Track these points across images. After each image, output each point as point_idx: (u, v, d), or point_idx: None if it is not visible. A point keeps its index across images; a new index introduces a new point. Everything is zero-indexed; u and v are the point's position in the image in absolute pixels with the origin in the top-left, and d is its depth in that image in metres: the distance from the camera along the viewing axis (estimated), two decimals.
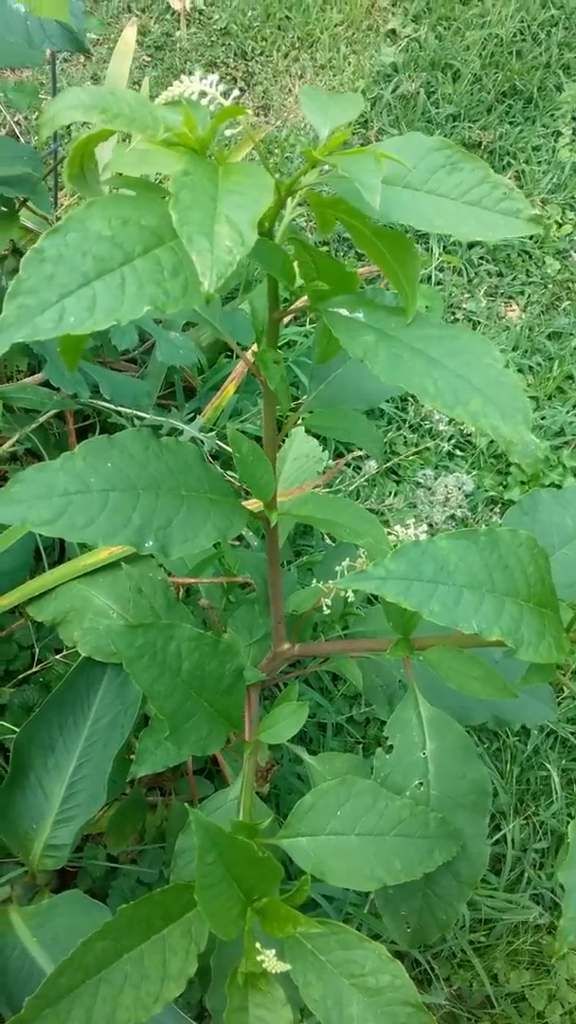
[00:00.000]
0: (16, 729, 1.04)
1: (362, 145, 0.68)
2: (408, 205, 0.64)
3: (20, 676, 1.33)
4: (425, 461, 1.84)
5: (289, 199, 0.71)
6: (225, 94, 0.62)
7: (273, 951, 0.64)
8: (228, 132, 0.63)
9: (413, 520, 0.85)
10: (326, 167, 0.64)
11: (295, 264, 0.75)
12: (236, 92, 0.64)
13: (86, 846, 1.29)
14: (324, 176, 0.65)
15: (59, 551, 1.42)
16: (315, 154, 0.60)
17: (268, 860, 0.63)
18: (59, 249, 0.54)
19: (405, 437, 1.85)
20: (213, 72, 2.30)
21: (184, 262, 0.56)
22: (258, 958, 0.63)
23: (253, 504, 1.10)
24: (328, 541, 1.59)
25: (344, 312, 0.69)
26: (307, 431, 1.18)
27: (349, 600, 0.97)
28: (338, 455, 1.73)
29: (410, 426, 1.87)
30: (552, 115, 2.44)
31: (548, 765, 1.58)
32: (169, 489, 0.75)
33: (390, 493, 1.74)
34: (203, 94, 0.62)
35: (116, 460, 0.74)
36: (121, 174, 0.64)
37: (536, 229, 0.64)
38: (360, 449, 1.70)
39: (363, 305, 0.69)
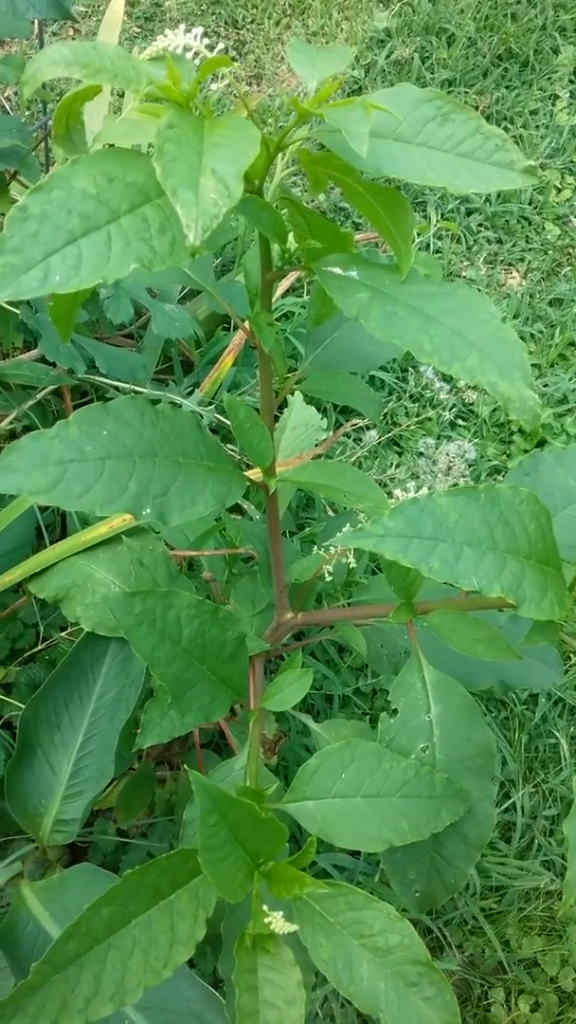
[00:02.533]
0: (23, 706, 1.04)
1: None
2: (399, 158, 0.62)
3: (26, 654, 1.33)
4: (427, 431, 1.82)
5: (279, 156, 0.69)
6: (210, 47, 0.61)
7: (280, 913, 0.64)
8: (213, 87, 0.62)
9: (413, 485, 0.84)
10: (317, 124, 0.62)
11: (291, 226, 0.74)
12: (220, 45, 0.63)
13: (96, 821, 1.30)
14: (315, 132, 0.64)
15: (61, 528, 1.41)
16: (303, 106, 0.59)
17: (272, 822, 0.63)
18: (43, 207, 0.53)
19: (406, 407, 1.84)
20: (203, 41, 2.27)
21: (172, 219, 0.55)
22: (265, 920, 0.63)
23: (253, 474, 1.09)
24: (330, 512, 1.58)
25: (338, 270, 0.68)
26: (305, 398, 1.17)
27: (351, 567, 0.96)
28: (337, 426, 1.72)
29: (411, 396, 1.86)
30: (549, 78, 2.41)
31: (556, 732, 1.57)
32: (166, 456, 0.75)
33: (392, 464, 1.73)
34: (187, 48, 0.61)
35: (112, 428, 0.73)
36: (112, 145, 0.63)
37: (532, 180, 0.63)
38: (360, 418, 1.69)
39: (357, 263, 0.68)
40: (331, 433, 1.17)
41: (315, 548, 0.97)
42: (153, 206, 0.57)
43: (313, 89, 0.63)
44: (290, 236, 0.73)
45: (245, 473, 0.81)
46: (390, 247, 0.68)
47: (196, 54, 0.61)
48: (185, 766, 0.66)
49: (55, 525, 1.41)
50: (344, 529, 0.92)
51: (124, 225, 0.55)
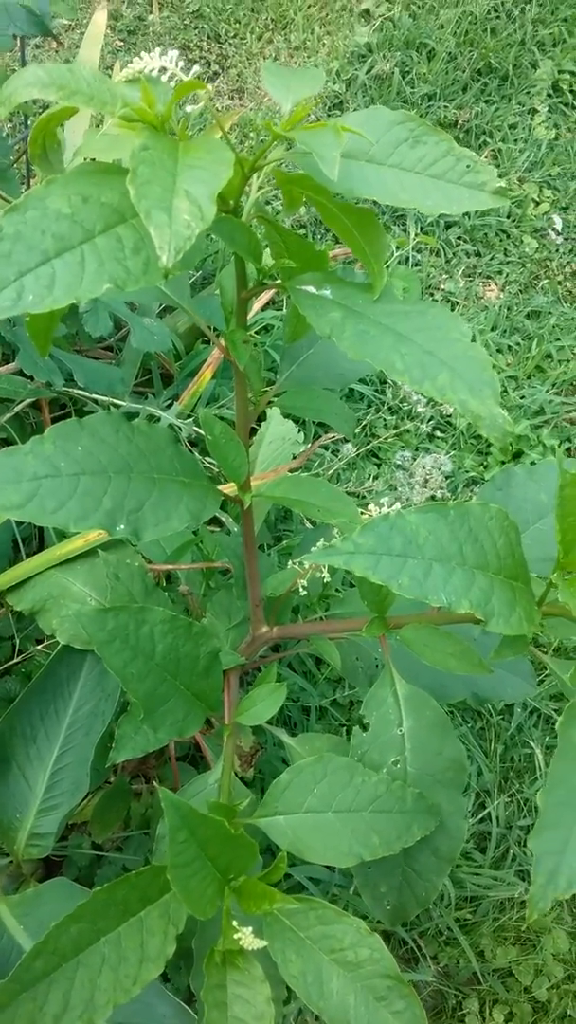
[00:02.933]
0: None
1: None
2: (372, 179, 0.63)
3: (1, 667, 1.32)
4: (405, 443, 1.83)
5: (255, 176, 0.70)
6: (185, 70, 0.61)
7: (250, 929, 0.64)
8: (189, 108, 0.63)
9: (387, 499, 0.85)
10: (292, 144, 0.63)
11: (267, 244, 0.74)
12: (196, 68, 0.64)
13: (71, 835, 1.29)
14: (290, 152, 0.65)
15: (38, 541, 1.41)
16: (276, 129, 0.59)
17: (242, 838, 0.63)
18: (17, 227, 0.53)
19: (385, 420, 1.85)
20: (186, 55, 2.27)
21: (146, 239, 0.56)
22: (235, 936, 0.63)
23: (228, 489, 1.10)
24: (308, 524, 1.59)
25: (311, 289, 0.68)
26: (282, 412, 1.18)
27: (325, 581, 0.97)
28: (316, 438, 1.72)
29: (389, 408, 1.87)
30: (528, 92, 2.43)
31: (532, 743, 1.58)
32: (141, 472, 0.75)
33: (370, 476, 1.74)
34: (163, 70, 0.61)
35: (86, 443, 0.74)
36: (93, 160, 0.64)
37: (502, 202, 0.64)
38: (337, 432, 1.69)
39: (331, 282, 0.69)
40: (307, 447, 1.18)
41: (290, 562, 0.98)
42: (127, 226, 0.57)
43: (287, 111, 0.63)
44: (267, 253, 0.74)
45: (221, 487, 0.82)
46: (363, 265, 0.69)
47: (172, 76, 0.62)
48: (155, 782, 0.66)
49: (32, 537, 1.41)
50: (319, 543, 0.93)
51: (98, 245, 0.55)
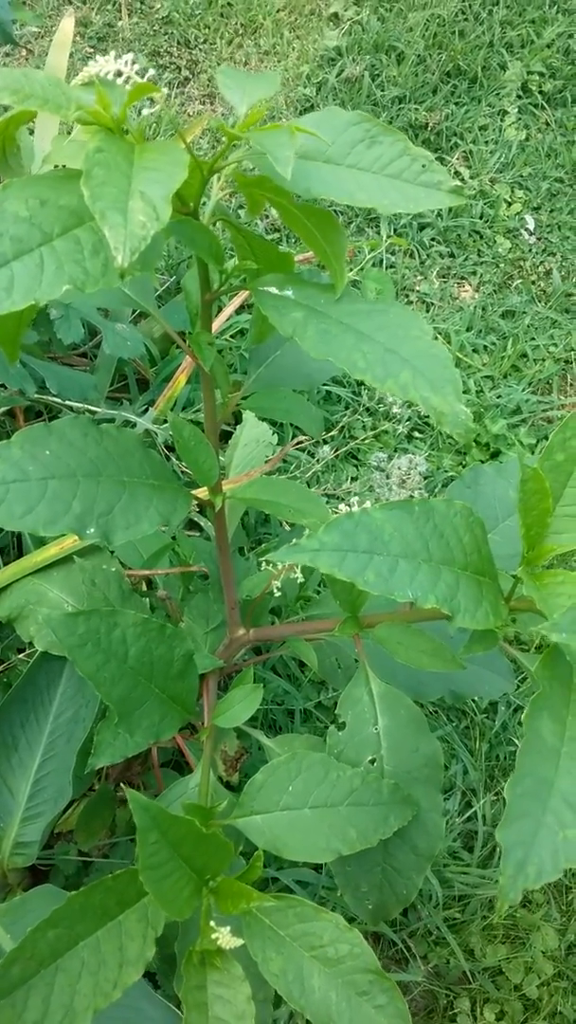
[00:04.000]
0: None
1: None
2: (329, 180, 0.64)
3: None
4: (384, 444, 1.84)
5: (215, 179, 0.70)
6: (140, 73, 0.62)
7: (228, 928, 0.64)
8: (146, 111, 0.63)
9: (357, 499, 0.85)
10: (250, 145, 0.63)
11: (235, 247, 0.75)
12: (152, 72, 0.64)
13: (57, 843, 1.29)
14: (248, 154, 0.65)
15: (16, 548, 1.41)
16: (231, 130, 0.60)
17: (215, 837, 0.63)
18: None
19: (362, 421, 1.86)
20: (156, 61, 2.27)
21: (104, 240, 0.56)
22: (212, 935, 0.63)
23: (201, 492, 1.10)
24: (287, 528, 1.59)
25: (274, 290, 0.69)
26: (257, 415, 1.18)
27: (300, 582, 0.97)
28: (293, 439, 1.73)
29: (367, 410, 1.87)
30: (497, 94, 2.45)
31: (516, 740, 1.59)
32: (110, 476, 0.75)
33: (348, 478, 1.75)
34: (119, 73, 0.62)
35: (55, 447, 0.74)
36: (63, 166, 0.64)
37: (458, 200, 0.65)
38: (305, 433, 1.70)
39: (293, 283, 0.69)
40: (279, 449, 1.18)
41: (261, 563, 0.98)
42: (86, 228, 0.57)
43: (243, 114, 0.64)
44: (235, 257, 0.74)
45: (196, 491, 0.82)
46: (324, 265, 0.70)
47: (128, 79, 0.62)
48: (123, 785, 0.66)
49: (11, 546, 1.41)
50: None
51: (56, 247, 0.56)
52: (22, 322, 0.78)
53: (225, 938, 0.63)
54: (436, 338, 0.66)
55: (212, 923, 0.64)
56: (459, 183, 0.64)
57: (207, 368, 0.73)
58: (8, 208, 0.55)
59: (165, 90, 2.06)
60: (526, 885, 0.56)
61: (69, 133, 0.96)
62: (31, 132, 1.44)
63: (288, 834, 0.72)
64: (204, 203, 0.70)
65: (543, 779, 0.58)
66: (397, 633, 0.78)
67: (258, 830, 0.73)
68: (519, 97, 2.47)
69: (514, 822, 0.57)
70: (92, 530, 0.71)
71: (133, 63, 0.62)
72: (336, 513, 0.85)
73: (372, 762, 0.78)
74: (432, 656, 0.77)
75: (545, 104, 2.47)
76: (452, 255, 2.20)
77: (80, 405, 1.34)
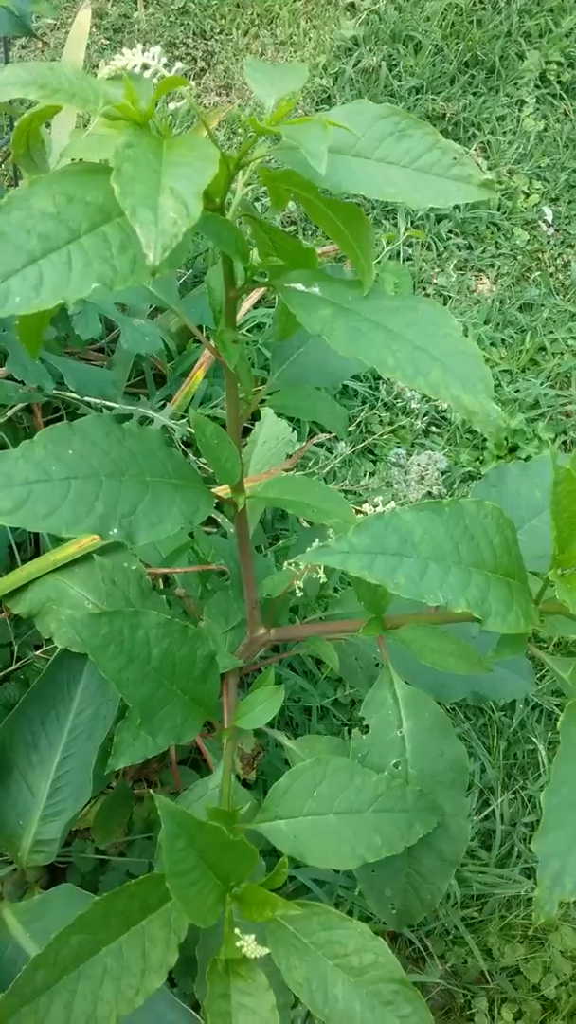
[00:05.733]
0: None
1: None
2: (358, 174, 0.62)
3: (0, 674, 1.31)
4: (401, 439, 1.83)
5: (240, 173, 0.69)
6: (169, 66, 0.60)
7: (253, 936, 0.63)
8: (172, 105, 0.62)
9: (381, 499, 0.84)
10: (277, 140, 0.62)
11: (255, 242, 0.73)
12: (180, 65, 0.63)
13: (74, 841, 1.29)
14: (275, 149, 0.64)
15: (34, 546, 1.40)
16: (260, 125, 0.58)
17: (241, 844, 0.63)
18: (2, 228, 0.53)
19: (380, 416, 1.84)
20: (172, 52, 2.26)
21: (132, 237, 0.55)
22: (237, 944, 0.63)
23: (222, 490, 1.09)
24: (305, 524, 1.58)
25: (300, 287, 0.67)
26: (276, 412, 1.17)
27: (322, 581, 0.96)
28: (311, 435, 1.71)
29: (384, 404, 1.86)
30: (515, 84, 2.42)
31: (534, 739, 1.58)
32: (133, 475, 0.74)
33: (366, 473, 1.73)
34: (145, 67, 0.60)
35: (77, 447, 0.73)
36: (80, 160, 0.63)
37: (489, 194, 0.63)
38: (330, 431, 1.69)
39: (319, 279, 0.68)
40: (300, 446, 1.17)
41: (285, 563, 0.97)
42: (113, 225, 0.56)
43: (271, 107, 0.62)
44: (255, 251, 0.73)
45: (215, 489, 0.81)
46: (351, 261, 0.68)
47: (155, 73, 0.61)
48: (151, 791, 0.65)
49: (28, 543, 1.40)
50: (314, 543, 0.92)
51: (84, 245, 0.55)
52: (44, 319, 0.77)
53: (251, 947, 0.62)
54: (466, 335, 0.64)
55: (237, 931, 0.63)
56: (489, 176, 0.62)
57: (232, 366, 0.72)
58: (36, 205, 0.54)
59: (193, 84, 2.04)
60: (563, 897, 0.55)
61: (86, 126, 0.95)
62: (47, 125, 1.43)
63: (313, 840, 0.71)
64: (229, 198, 0.69)
65: None
66: (423, 635, 0.77)
67: (282, 836, 0.72)
68: (537, 87, 2.44)
69: (550, 832, 0.56)
70: (115, 531, 0.70)
71: (159, 57, 0.61)
72: (358, 512, 0.84)
73: (396, 766, 0.77)
74: (458, 658, 0.76)
75: (563, 94, 2.45)
76: (470, 247, 2.18)
77: (98, 401, 1.34)
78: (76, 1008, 0.62)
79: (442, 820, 0.76)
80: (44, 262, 0.52)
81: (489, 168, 2.29)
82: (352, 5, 2.47)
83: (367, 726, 0.79)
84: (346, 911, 1.34)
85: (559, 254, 2.21)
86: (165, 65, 0.60)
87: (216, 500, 0.81)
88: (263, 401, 0.86)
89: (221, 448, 0.78)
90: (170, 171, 0.52)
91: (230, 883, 0.66)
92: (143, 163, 0.52)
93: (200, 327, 1.57)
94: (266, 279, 0.71)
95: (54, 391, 1.27)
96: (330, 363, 0.86)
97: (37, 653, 1.30)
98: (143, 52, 0.61)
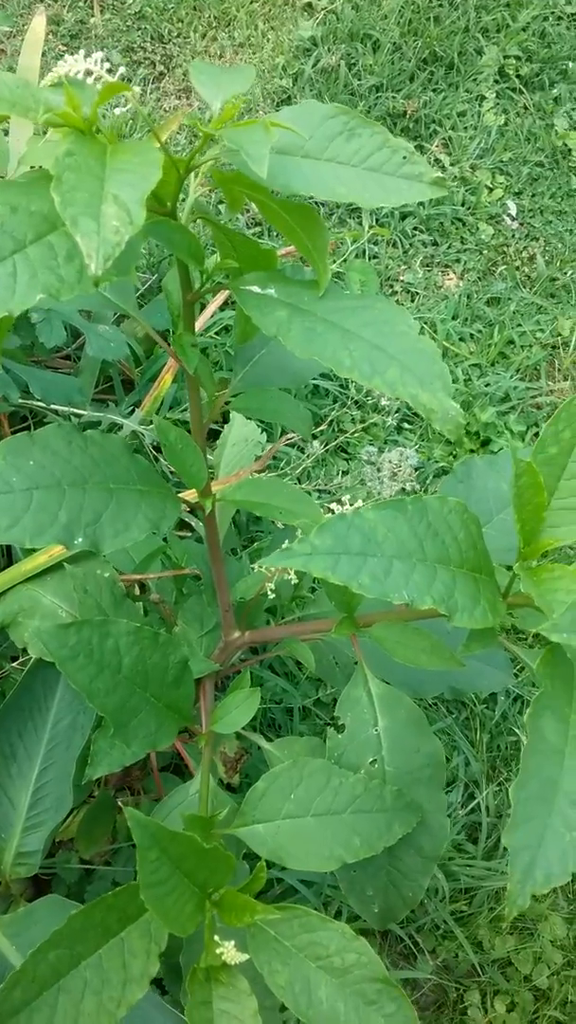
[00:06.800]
0: None
1: None
2: (309, 175, 0.62)
3: None
4: (374, 437, 1.83)
5: (192, 176, 0.69)
6: (111, 71, 0.60)
7: (232, 942, 0.63)
8: (117, 110, 0.61)
9: (348, 498, 0.84)
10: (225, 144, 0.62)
11: (216, 245, 0.73)
12: (122, 69, 0.62)
13: (58, 852, 1.28)
14: (222, 151, 0.63)
15: (6, 558, 1.39)
16: (205, 128, 0.58)
17: (216, 851, 0.62)
18: None
19: (351, 414, 1.84)
20: (131, 57, 2.25)
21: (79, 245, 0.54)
22: (217, 951, 0.62)
23: (190, 495, 1.08)
24: (280, 526, 1.58)
25: (256, 289, 0.67)
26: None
27: (294, 583, 0.96)
28: (282, 435, 1.71)
29: (355, 402, 1.86)
30: (475, 79, 2.43)
31: (517, 730, 1.58)
32: (96, 483, 0.74)
33: (339, 472, 1.73)
34: (89, 72, 0.60)
35: (38, 457, 0.72)
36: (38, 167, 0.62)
37: (440, 192, 0.63)
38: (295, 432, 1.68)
39: (275, 281, 0.67)
40: (268, 448, 1.17)
41: (254, 566, 0.97)
42: (59, 234, 0.56)
43: (217, 110, 0.62)
44: (216, 255, 0.73)
45: (184, 494, 0.80)
46: (307, 261, 0.68)
47: (98, 79, 0.60)
48: (132, 799, 0.65)
49: (0, 553, 1.39)
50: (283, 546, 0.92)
51: (30, 255, 0.54)
52: (1, 329, 0.77)
53: (230, 953, 0.62)
54: (423, 332, 0.64)
55: (216, 938, 0.63)
56: (440, 174, 0.62)
57: (191, 371, 0.72)
58: None
59: (138, 89, 2.04)
60: (534, 890, 0.55)
61: (45, 133, 0.95)
62: (6, 133, 1.42)
63: (291, 843, 0.71)
64: (183, 201, 0.69)
65: (548, 780, 0.57)
66: (395, 632, 0.77)
67: (260, 839, 0.72)
68: (496, 82, 2.45)
69: (520, 826, 0.56)
70: (80, 540, 0.70)
71: (103, 61, 0.60)
72: (328, 511, 0.84)
73: (373, 764, 0.77)
74: (431, 654, 0.76)
75: (523, 88, 2.46)
76: (435, 243, 2.18)
77: (65, 409, 1.33)
78: (57, 1023, 0.62)
79: (421, 817, 0.76)
80: None
81: (452, 164, 2.30)
82: (309, 5, 2.47)
83: (343, 725, 0.79)
84: (334, 911, 1.34)
85: (524, 247, 2.22)
86: (109, 70, 0.60)
87: (185, 504, 0.80)
88: (228, 403, 0.86)
89: (186, 453, 0.78)
90: (114, 178, 0.52)
91: (208, 890, 0.65)
92: (85, 171, 0.52)
93: (164, 332, 1.57)
94: (225, 281, 0.71)
95: (20, 400, 1.26)
96: (292, 364, 0.86)
97: (13, 665, 1.29)
98: (85, 57, 0.60)
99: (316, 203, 1.96)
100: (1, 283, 0.51)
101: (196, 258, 0.67)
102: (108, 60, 0.60)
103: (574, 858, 0.56)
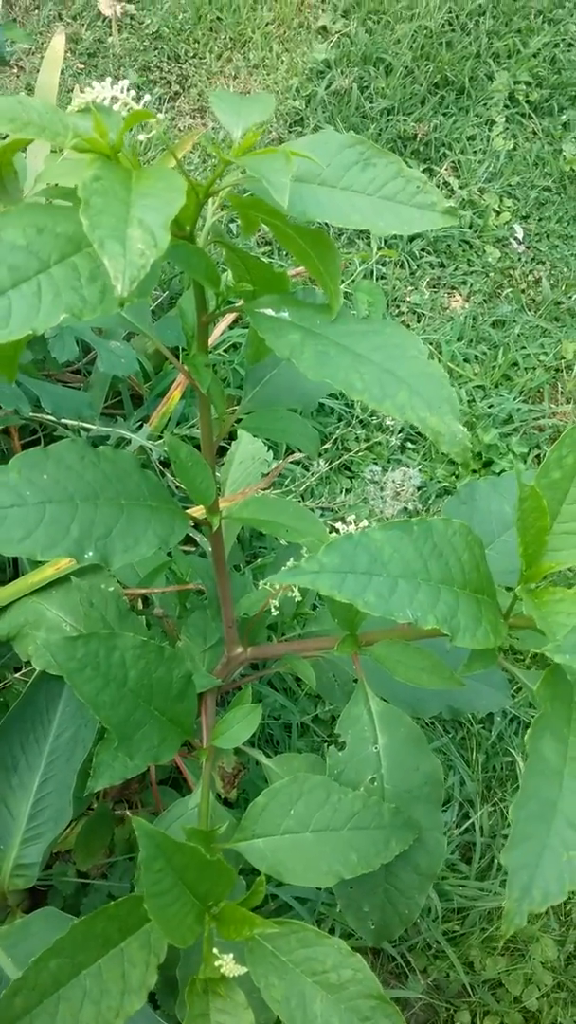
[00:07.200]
0: None
1: None
2: (324, 202, 0.64)
3: None
4: (377, 456, 1.84)
5: (210, 201, 0.70)
6: (137, 98, 0.62)
7: (231, 955, 0.64)
8: (141, 137, 0.63)
9: (354, 516, 0.85)
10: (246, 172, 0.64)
11: (229, 267, 0.75)
12: (148, 98, 0.64)
13: (55, 864, 1.28)
14: (241, 179, 0.65)
15: (13, 570, 1.40)
16: (226, 156, 0.60)
17: (219, 864, 0.63)
18: None
19: (355, 433, 1.86)
20: (147, 76, 2.28)
21: (102, 267, 0.56)
22: (215, 963, 0.63)
23: (197, 511, 1.09)
24: (283, 542, 1.59)
25: (270, 312, 0.69)
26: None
27: (297, 600, 0.97)
28: (288, 453, 1.73)
29: (360, 421, 1.88)
30: (485, 104, 2.46)
31: (512, 751, 1.59)
32: (108, 499, 0.75)
33: (343, 490, 1.75)
34: (115, 99, 0.62)
35: (52, 471, 0.73)
36: (56, 185, 0.64)
37: (452, 221, 0.65)
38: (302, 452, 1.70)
39: (289, 304, 0.69)
40: (274, 465, 1.18)
41: (260, 583, 0.98)
42: (83, 255, 0.57)
43: (238, 137, 0.64)
44: (229, 275, 0.74)
45: (191, 510, 0.81)
46: (320, 285, 0.70)
47: (124, 105, 0.62)
48: (131, 812, 0.66)
49: (7, 566, 1.40)
50: (289, 562, 0.93)
51: (54, 275, 0.55)
52: (19, 344, 0.78)
53: (229, 966, 0.62)
54: (432, 356, 0.66)
55: (215, 950, 0.64)
56: (452, 203, 0.64)
57: (204, 390, 0.73)
58: (5, 237, 0.55)
59: (161, 115, 2.06)
60: (532, 908, 0.56)
61: (61, 151, 0.96)
62: (23, 150, 1.44)
63: (290, 858, 0.72)
64: (200, 225, 0.71)
65: (547, 800, 0.58)
66: (396, 651, 0.78)
67: (260, 854, 0.72)
68: (506, 107, 2.48)
69: (519, 845, 0.57)
70: (90, 554, 0.71)
71: (128, 89, 0.62)
72: (333, 530, 0.85)
73: (373, 782, 0.78)
74: (431, 674, 0.77)
75: (532, 113, 2.49)
76: (442, 265, 2.21)
77: (75, 423, 1.34)
78: None
79: (418, 835, 0.77)
80: (14, 293, 0.53)
81: (460, 187, 2.32)
82: (323, 28, 2.51)
83: (343, 742, 0.79)
84: (328, 928, 1.35)
85: (530, 271, 2.24)
86: (135, 97, 0.62)
87: (192, 521, 0.82)
88: (238, 422, 0.87)
89: (195, 470, 0.79)
90: (139, 202, 0.53)
91: (208, 903, 0.66)
92: (111, 195, 0.53)
93: (177, 348, 1.59)
94: (238, 304, 0.72)
95: (31, 414, 1.27)
96: (303, 384, 0.87)
97: (16, 676, 1.30)
98: (112, 85, 0.62)
99: (326, 224, 1.99)
100: (26, 302, 0.53)
101: (212, 281, 0.68)
102: (131, 88, 0.62)
103: (571, 877, 0.57)
